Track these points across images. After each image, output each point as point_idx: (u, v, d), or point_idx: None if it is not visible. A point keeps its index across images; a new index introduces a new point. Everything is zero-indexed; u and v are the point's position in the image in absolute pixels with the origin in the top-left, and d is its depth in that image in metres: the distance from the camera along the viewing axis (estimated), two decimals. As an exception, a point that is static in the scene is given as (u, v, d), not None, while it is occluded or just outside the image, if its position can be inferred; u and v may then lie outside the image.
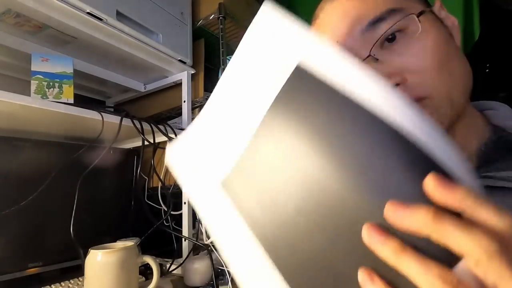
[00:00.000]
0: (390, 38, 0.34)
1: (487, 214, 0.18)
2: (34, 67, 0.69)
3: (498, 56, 1.09)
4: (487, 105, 0.42)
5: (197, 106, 1.06)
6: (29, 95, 0.67)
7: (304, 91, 0.22)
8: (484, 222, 0.18)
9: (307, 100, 0.22)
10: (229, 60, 1.18)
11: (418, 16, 0.33)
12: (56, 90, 0.71)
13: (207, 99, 1.08)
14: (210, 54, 1.12)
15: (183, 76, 1.04)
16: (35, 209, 0.72)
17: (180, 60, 1.00)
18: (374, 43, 0.34)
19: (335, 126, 0.21)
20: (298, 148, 0.22)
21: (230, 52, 1.23)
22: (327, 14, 0.38)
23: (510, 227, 0.17)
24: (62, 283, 0.68)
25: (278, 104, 0.24)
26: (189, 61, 1.02)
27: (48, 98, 0.70)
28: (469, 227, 0.17)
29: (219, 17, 1.03)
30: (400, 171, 0.19)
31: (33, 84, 0.69)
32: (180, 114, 1.04)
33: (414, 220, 0.18)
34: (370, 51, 0.34)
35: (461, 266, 0.18)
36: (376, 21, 0.34)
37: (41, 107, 0.63)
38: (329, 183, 0.21)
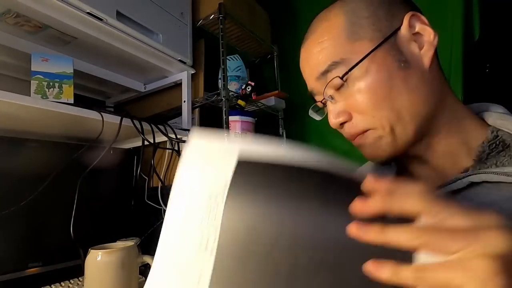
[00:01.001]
0: (341, 84, 0.40)
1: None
2: (34, 67, 0.69)
3: (498, 56, 1.09)
4: (483, 107, 0.44)
5: (197, 106, 1.06)
6: (29, 95, 0.67)
7: (251, 174, 0.26)
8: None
9: (257, 179, 0.26)
10: (229, 60, 1.18)
11: (349, 70, 0.39)
12: (56, 90, 0.71)
13: (207, 99, 1.09)
14: (210, 54, 1.12)
15: (183, 76, 1.04)
16: (35, 209, 0.72)
17: (180, 60, 1.00)
18: (323, 91, 0.42)
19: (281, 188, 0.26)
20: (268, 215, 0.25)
21: (230, 52, 1.23)
22: (302, 53, 0.46)
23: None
24: (62, 283, 0.68)
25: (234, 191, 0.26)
26: (189, 61, 1.02)
27: (48, 98, 0.70)
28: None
29: (219, 17, 1.03)
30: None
31: (33, 84, 0.69)
32: (180, 114, 1.04)
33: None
34: (323, 95, 0.42)
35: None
36: (323, 73, 0.41)
37: (41, 107, 0.63)
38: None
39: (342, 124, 0.42)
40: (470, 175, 0.37)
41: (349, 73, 0.39)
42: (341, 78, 0.39)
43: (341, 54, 0.40)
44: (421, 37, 0.39)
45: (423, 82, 0.39)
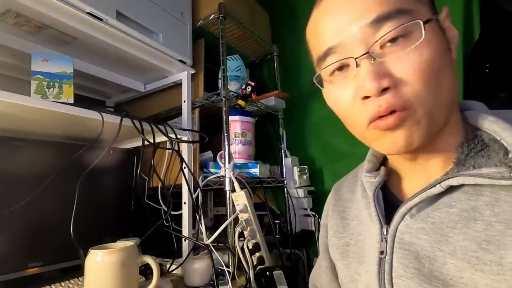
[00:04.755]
0: (392, 39, 0.34)
1: None
2: (34, 67, 0.69)
3: (498, 56, 1.09)
4: (466, 105, 0.42)
5: (197, 106, 1.06)
6: (29, 95, 0.67)
7: None
8: None
9: None
10: (229, 60, 1.18)
11: (424, 24, 0.33)
12: (56, 90, 0.71)
13: (207, 99, 1.09)
14: (210, 54, 1.12)
15: (183, 76, 1.04)
16: (35, 209, 0.72)
17: (180, 60, 1.00)
18: (374, 42, 0.34)
19: None
20: None
21: (230, 52, 1.23)
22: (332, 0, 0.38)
23: None
24: (62, 283, 0.68)
25: None
26: (189, 61, 1.02)
27: (48, 98, 0.70)
28: None
29: (219, 17, 1.03)
30: None
31: (33, 84, 0.69)
32: (180, 114, 1.04)
33: None
34: (369, 48, 0.34)
35: None
36: (382, 19, 0.34)
37: (41, 107, 0.63)
38: None
39: (383, 91, 0.34)
40: (448, 179, 0.36)
41: (422, 29, 0.33)
42: (424, 23, 0.33)
43: (408, 5, 0.34)
44: (448, 33, 0.38)
45: (455, 74, 0.38)
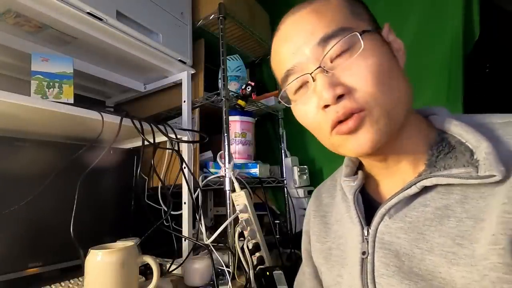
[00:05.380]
0: (339, 53, 0.39)
1: None
2: (34, 67, 0.69)
3: (498, 56, 1.09)
4: (430, 110, 0.46)
5: (197, 106, 1.06)
6: (29, 95, 0.67)
7: None
8: None
9: None
10: (229, 60, 1.18)
11: (361, 34, 0.38)
12: (56, 90, 0.71)
13: (207, 99, 1.09)
14: (210, 54, 1.12)
15: (183, 76, 1.04)
16: (35, 209, 0.72)
17: (180, 60, 1.00)
18: (324, 57, 0.39)
19: None
20: None
21: (230, 52, 1.23)
22: (287, 26, 0.43)
23: None
24: (62, 283, 0.68)
25: None
26: (189, 61, 1.02)
27: (48, 98, 0.70)
28: None
29: (219, 17, 1.03)
30: None
31: (33, 84, 0.69)
32: (180, 114, 1.04)
33: None
34: (320, 63, 0.39)
35: None
36: (327, 38, 0.39)
37: (41, 107, 0.63)
38: None
39: (338, 98, 0.38)
40: (422, 180, 0.38)
41: (360, 40, 0.37)
42: (360, 34, 0.38)
43: (348, 24, 0.39)
44: (394, 45, 0.43)
45: (404, 76, 0.42)
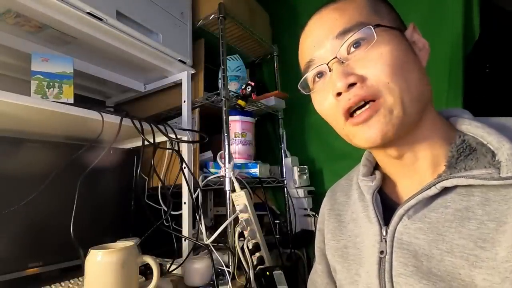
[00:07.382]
0: (355, 45, 0.41)
1: None
2: (34, 67, 0.69)
3: (498, 56, 1.09)
4: (452, 112, 0.46)
5: (197, 106, 1.06)
6: (29, 95, 0.67)
7: None
8: None
9: None
10: (229, 60, 1.18)
11: (375, 28, 0.40)
12: (56, 90, 0.71)
13: (207, 99, 1.09)
14: (210, 54, 1.11)
15: (183, 76, 1.04)
16: (35, 209, 0.72)
17: (180, 60, 1.00)
18: (339, 48, 0.42)
19: None
20: None
21: (230, 52, 1.23)
22: (312, 22, 0.47)
23: None
24: (62, 283, 0.68)
25: None
26: (189, 61, 1.02)
27: (48, 98, 0.70)
28: None
29: (219, 17, 1.03)
30: None
31: (33, 84, 0.69)
32: (180, 114, 1.04)
33: None
34: (337, 54, 0.42)
35: None
36: (346, 31, 0.41)
37: (41, 107, 0.63)
38: None
39: (350, 86, 0.40)
40: (442, 181, 0.39)
41: (373, 32, 0.39)
42: (374, 27, 0.39)
43: (367, 20, 0.41)
44: (418, 44, 0.44)
45: (425, 74, 0.43)
